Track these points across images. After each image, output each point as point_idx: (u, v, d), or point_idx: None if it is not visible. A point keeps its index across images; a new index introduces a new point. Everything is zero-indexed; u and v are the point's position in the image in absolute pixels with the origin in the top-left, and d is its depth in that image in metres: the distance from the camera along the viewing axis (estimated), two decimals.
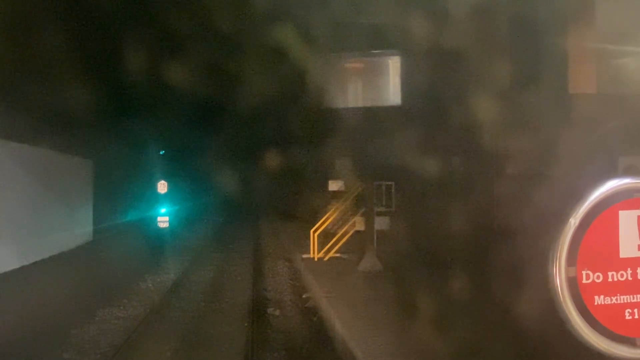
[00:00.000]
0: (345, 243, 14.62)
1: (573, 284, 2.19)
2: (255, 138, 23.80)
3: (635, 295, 2.23)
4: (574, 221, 2.20)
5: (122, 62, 11.96)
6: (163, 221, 24.90)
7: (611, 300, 2.22)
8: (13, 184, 12.95)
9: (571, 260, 2.20)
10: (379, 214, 13.66)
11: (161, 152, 29.30)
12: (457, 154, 9.72)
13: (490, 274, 6.36)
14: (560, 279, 2.18)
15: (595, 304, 2.21)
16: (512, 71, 7.41)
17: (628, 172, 2.37)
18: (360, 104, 12.51)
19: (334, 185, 16.41)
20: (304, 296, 11.72)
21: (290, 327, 9.61)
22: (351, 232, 14.62)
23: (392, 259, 12.24)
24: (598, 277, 2.22)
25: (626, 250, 2.24)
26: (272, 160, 20.23)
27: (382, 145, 11.23)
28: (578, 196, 2.23)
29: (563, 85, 6.88)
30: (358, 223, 14.35)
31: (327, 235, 14.97)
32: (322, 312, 9.87)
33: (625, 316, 2.22)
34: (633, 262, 2.24)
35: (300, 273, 13.98)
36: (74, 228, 17.21)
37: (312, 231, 14.92)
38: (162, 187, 26.14)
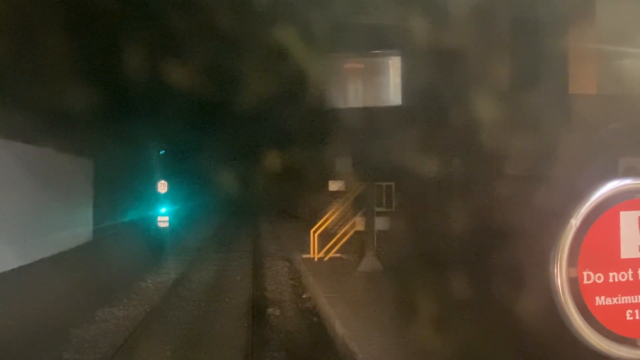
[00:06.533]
0: (345, 243, 14.62)
1: (574, 284, 2.19)
2: (255, 138, 23.80)
3: (636, 296, 2.23)
4: (574, 222, 2.20)
5: (123, 62, 11.96)
6: (163, 221, 24.89)
7: (612, 301, 2.22)
8: (13, 184, 12.95)
9: (572, 261, 2.20)
10: (379, 214, 13.66)
11: (161, 152, 29.30)
12: (458, 154, 9.72)
13: (491, 274, 6.36)
14: (561, 280, 2.18)
15: (596, 304, 2.21)
16: (513, 71, 7.41)
17: (628, 172, 2.37)
18: (360, 104, 12.50)
19: (334, 186, 16.41)
20: (304, 296, 11.72)
21: (290, 327, 9.62)
22: (351, 232, 14.62)
23: (392, 259, 12.25)
24: (599, 278, 2.22)
25: (627, 251, 2.24)
26: (272, 160, 20.22)
27: (382, 145, 11.22)
28: (579, 197, 2.23)
29: (563, 85, 6.88)
30: (358, 223, 14.35)
31: (327, 236, 14.97)
32: (322, 312, 9.87)
33: (626, 317, 2.22)
34: (634, 263, 2.24)
35: (300, 273, 13.99)
36: (74, 228, 17.21)
37: (312, 231, 14.93)
38: (162, 187, 26.13)
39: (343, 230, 14.75)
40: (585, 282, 2.21)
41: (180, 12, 10.64)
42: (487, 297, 6.42)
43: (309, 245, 14.88)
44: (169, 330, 9.42)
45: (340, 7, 8.89)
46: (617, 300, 2.22)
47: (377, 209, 13.66)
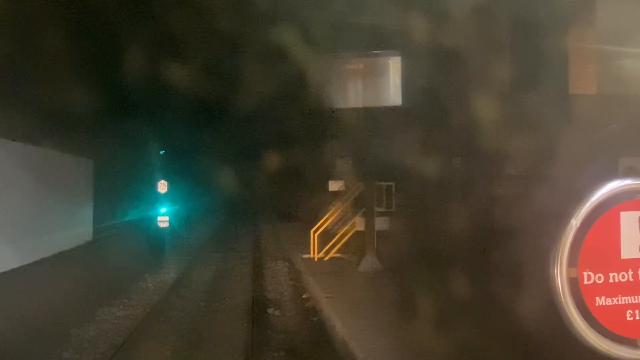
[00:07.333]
0: (345, 243, 14.63)
1: (574, 284, 2.19)
2: (255, 138, 23.80)
3: (636, 297, 2.23)
4: (575, 222, 2.20)
5: (123, 62, 11.97)
6: (163, 221, 24.87)
7: (612, 301, 2.22)
8: (13, 183, 12.94)
9: (572, 261, 2.20)
10: (379, 214, 13.67)
11: (161, 152, 29.26)
12: (458, 155, 9.72)
13: (491, 274, 6.36)
14: (561, 280, 2.18)
15: (597, 305, 2.21)
16: (513, 72, 7.40)
17: (629, 173, 2.37)
18: (360, 104, 12.49)
19: (334, 186, 16.41)
20: (304, 296, 11.72)
21: (290, 327, 9.62)
22: (351, 232, 14.62)
23: (392, 259, 12.24)
24: (599, 278, 2.22)
25: (627, 251, 2.24)
26: (272, 160, 20.23)
27: (382, 145, 11.21)
28: (579, 197, 2.23)
29: (563, 86, 6.88)
30: (358, 223, 14.36)
31: (328, 236, 14.97)
32: (322, 312, 9.87)
33: (626, 317, 2.23)
34: (634, 263, 2.24)
35: (300, 273, 13.99)
36: (74, 227, 17.17)
37: (312, 231, 14.93)
38: (162, 187, 26.12)
39: (343, 230, 14.75)
40: (585, 282, 2.21)
41: (180, 12, 10.64)
42: (487, 297, 6.41)
43: (309, 245, 14.89)
44: (169, 330, 9.42)
45: (340, 7, 8.89)
46: (618, 300, 2.23)
47: (377, 209, 13.66)
